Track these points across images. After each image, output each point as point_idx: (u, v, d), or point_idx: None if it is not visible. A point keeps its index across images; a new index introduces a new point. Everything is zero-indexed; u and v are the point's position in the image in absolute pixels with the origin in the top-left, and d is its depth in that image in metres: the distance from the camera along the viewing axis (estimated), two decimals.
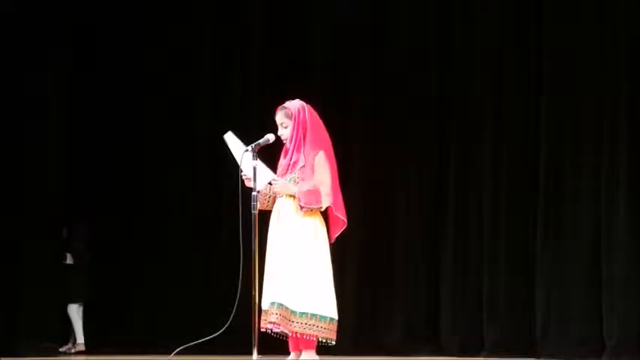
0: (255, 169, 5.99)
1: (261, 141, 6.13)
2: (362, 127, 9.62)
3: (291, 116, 6.26)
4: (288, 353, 6.27)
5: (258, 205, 5.98)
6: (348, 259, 9.18)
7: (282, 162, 6.32)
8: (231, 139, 6.16)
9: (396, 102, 9.54)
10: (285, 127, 6.28)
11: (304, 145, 6.22)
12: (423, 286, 9.41)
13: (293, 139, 6.24)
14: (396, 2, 9.67)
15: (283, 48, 9.84)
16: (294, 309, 6.07)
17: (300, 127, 6.24)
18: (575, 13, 8.90)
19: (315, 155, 6.19)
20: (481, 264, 9.15)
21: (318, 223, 6.22)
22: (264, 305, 6.13)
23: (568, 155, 8.87)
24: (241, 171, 6.08)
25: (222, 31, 10.13)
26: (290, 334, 6.13)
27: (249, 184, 6.08)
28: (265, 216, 6.28)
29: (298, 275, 6.09)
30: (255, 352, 5.88)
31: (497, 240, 9.08)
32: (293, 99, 6.39)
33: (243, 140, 6.09)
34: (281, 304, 6.06)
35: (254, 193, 5.96)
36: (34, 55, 9.14)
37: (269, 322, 6.06)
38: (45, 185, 9.25)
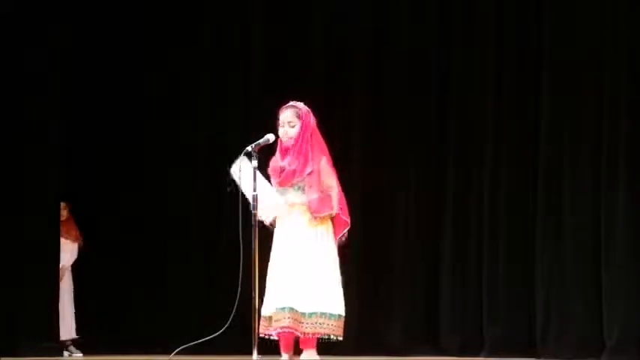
0: (256, 197, 5.92)
1: (261, 141, 6.11)
2: (362, 127, 9.61)
3: (300, 117, 6.23)
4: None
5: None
6: (348, 259, 9.15)
7: (281, 164, 6.26)
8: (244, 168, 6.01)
9: (396, 102, 9.54)
10: (293, 127, 6.23)
11: (311, 150, 6.19)
12: (423, 286, 9.40)
13: (299, 140, 6.21)
14: (396, 2, 9.67)
15: (283, 48, 9.83)
16: (303, 311, 6.07)
17: (307, 129, 6.21)
18: (575, 14, 8.89)
19: (319, 161, 6.18)
20: (481, 264, 9.15)
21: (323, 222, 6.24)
22: (270, 310, 6.11)
23: (568, 155, 8.87)
24: (254, 208, 5.95)
25: (222, 31, 10.13)
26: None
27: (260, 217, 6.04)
28: None
29: (306, 277, 6.09)
30: (255, 352, 5.88)
31: (497, 240, 9.07)
32: (293, 99, 6.39)
33: (245, 142, 6.07)
34: (292, 308, 6.05)
35: (254, 194, 5.95)
36: (34, 53, 9.11)
37: (280, 326, 6.04)
38: (45, 185, 9.23)
